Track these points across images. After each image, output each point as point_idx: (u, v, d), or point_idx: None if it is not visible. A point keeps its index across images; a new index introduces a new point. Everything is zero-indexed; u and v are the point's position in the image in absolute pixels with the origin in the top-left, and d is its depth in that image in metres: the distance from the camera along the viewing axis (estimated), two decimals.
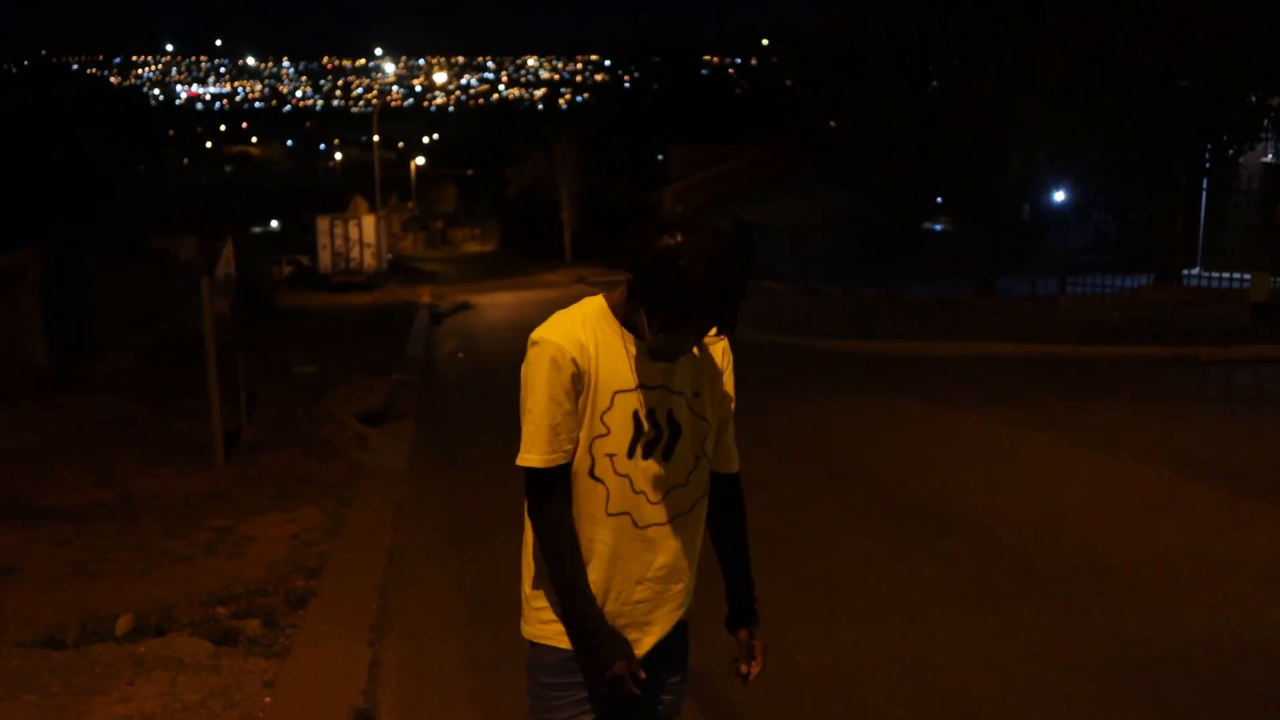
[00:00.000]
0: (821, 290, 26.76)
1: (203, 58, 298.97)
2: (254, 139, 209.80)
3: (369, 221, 40.98)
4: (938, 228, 33.26)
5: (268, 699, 4.18)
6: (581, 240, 48.57)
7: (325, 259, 40.31)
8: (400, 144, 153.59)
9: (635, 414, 2.44)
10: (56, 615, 5.48)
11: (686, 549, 2.56)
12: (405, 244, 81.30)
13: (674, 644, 2.63)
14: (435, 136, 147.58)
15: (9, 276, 15.25)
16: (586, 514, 2.47)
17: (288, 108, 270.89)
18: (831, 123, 25.41)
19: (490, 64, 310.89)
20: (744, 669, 2.65)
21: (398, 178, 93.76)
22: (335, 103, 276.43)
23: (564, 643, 2.49)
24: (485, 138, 71.74)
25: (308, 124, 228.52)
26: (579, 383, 2.41)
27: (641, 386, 2.44)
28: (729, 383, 2.61)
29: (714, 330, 2.35)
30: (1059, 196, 25.58)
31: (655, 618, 2.54)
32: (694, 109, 53.65)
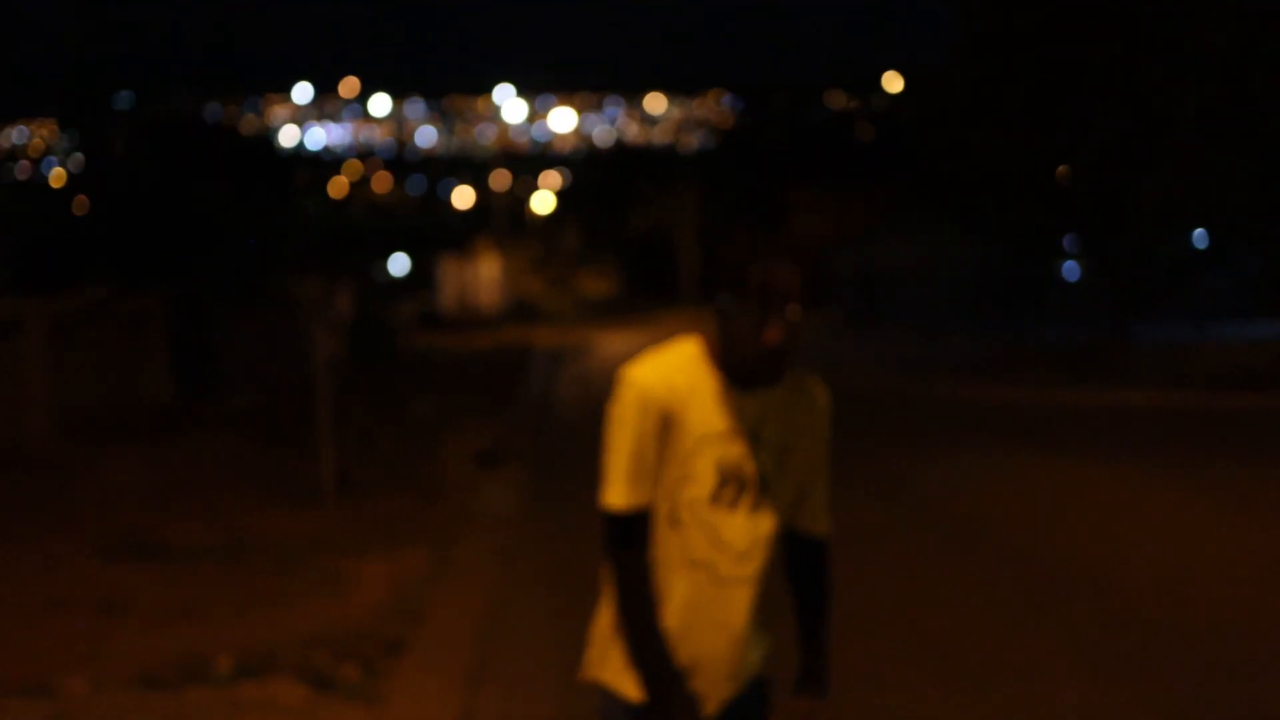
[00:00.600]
0: (944, 335, 26.23)
1: (333, 99, 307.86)
2: (380, 181, 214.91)
3: (491, 262, 41.56)
4: (1067, 269, 32.34)
5: None
6: (701, 281, 48.52)
7: (448, 300, 40.94)
8: (524, 185, 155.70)
9: (720, 461, 2.34)
10: (160, 654, 5.46)
11: (755, 611, 2.41)
12: (527, 285, 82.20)
13: (749, 705, 2.47)
14: (558, 178, 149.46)
15: (136, 318, 15.67)
16: (664, 561, 2.36)
17: (414, 151, 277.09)
18: (954, 165, 24.88)
19: (613, 102, 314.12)
20: None
21: (521, 219, 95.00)
22: (460, 143, 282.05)
23: (636, 693, 2.36)
24: (607, 179, 72.35)
25: (433, 167, 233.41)
26: (666, 424, 2.32)
27: (730, 433, 2.34)
28: (822, 435, 2.47)
29: (794, 309, 2.26)
30: (1198, 237, 24.66)
31: (730, 674, 2.40)
32: (816, 150, 53.45)
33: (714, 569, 2.34)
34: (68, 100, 40.86)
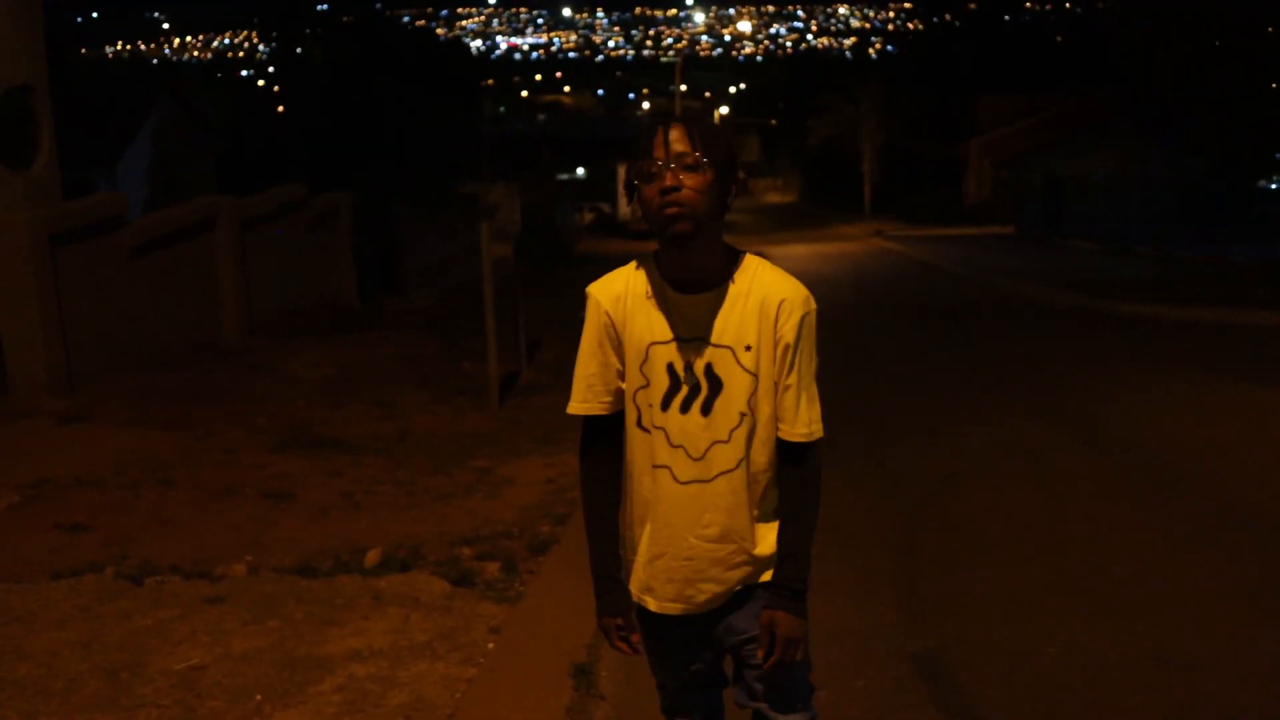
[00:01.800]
0: (1135, 250, 25.10)
1: (522, 10, 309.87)
2: (567, 88, 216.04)
3: None
4: (1273, 185, 30.46)
5: (491, 645, 4.17)
6: (882, 193, 47.47)
7: (625, 206, 40.99)
8: (707, 94, 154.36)
9: (670, 366, 2.38)
10: (319, 543, 5.71)
11: (741, 510, 2.41)
12: None
13: (742, 609, 2.47)
14: (742, 86, 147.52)
15: (321, 216, 16.16)
16: (635, 464, 2.45)
17: (600, 57, 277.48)
18: (1156, 72, 23.58)
19: (800, 12, 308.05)
20: (760, 654, 2.44)
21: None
22: (646, 52, 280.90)
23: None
24: (789, 87, 71.10)
25: (618, 74, 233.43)
26: (614, 334, 2.42)
27: (678, 339, 2.37)
28: (785, 338, 2.37)
29: (686, 152, 2.25)
30: None
31: (708, 577, 2.42)
32: (1008, 58, 51.38)
33: (675, 472, 2.39)
34: (266, 9, 41.91)
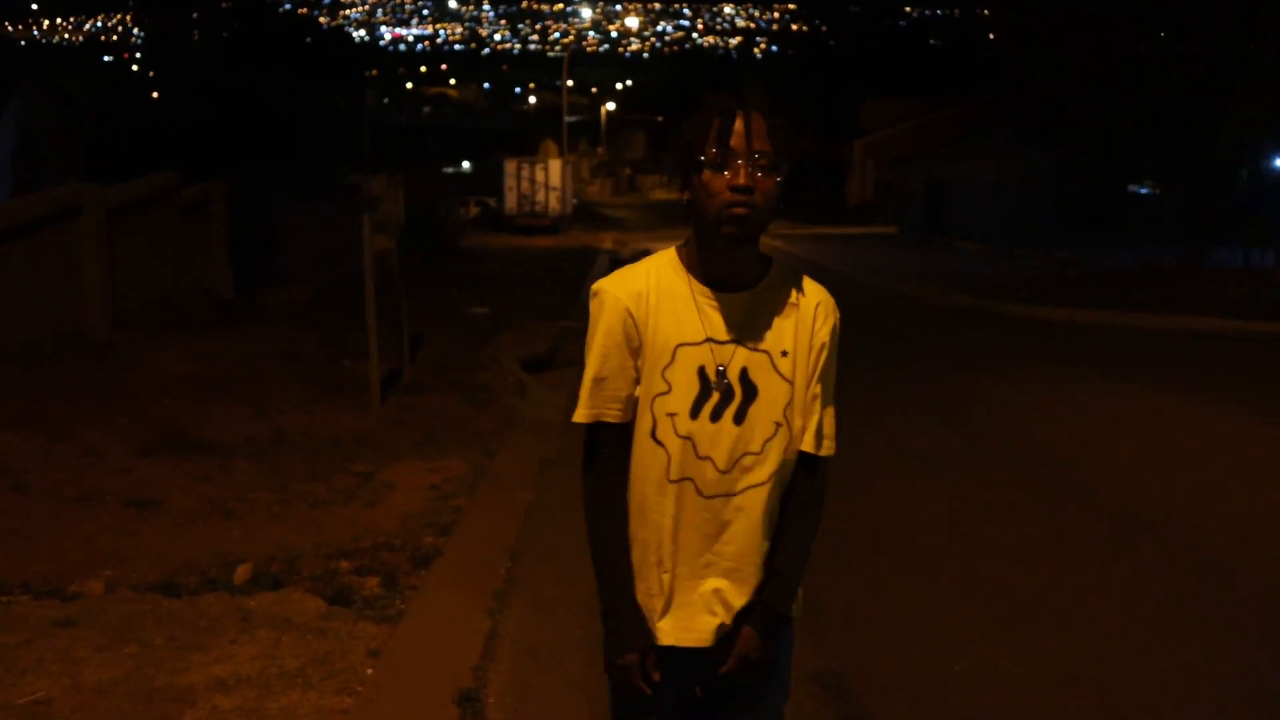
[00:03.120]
0: (1015, 253, 25.55)
1: (407, 0, 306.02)
2: (452, 81, 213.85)
3: (555, 165, 41.09)
4: (1144, 191, 31.29)
5: (369, 670, 3.87)
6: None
7: (511, 201, 40.61)
8: (594, 89, 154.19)
9: (701, 370, 2.18)
10: (185, 556, 5.33)
11: (762, 529, 2.22)
12: (593, 189, 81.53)
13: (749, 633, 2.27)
14: (629, 83, 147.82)
15: (193, 206, 15.54)
16: (647, 480, 2.22)
17: (486, 50, 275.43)
18: (1037, 76, 24.00)
19: (687, 10, 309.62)
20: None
21: (589, 123, 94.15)
22: (532, 46, 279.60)
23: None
24: (676, 85, 71.25)
25: (505, 67, 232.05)
26: (635, 335, 2.20)
27: (710, 341, 2.18)
28: (819, 345, 2.24)
29: (766, 151, 2.08)
30: None
31: (728, 601, 2.22)
32: (890, 62, 52.17)
33: (699, 485, 2.18)
34: None
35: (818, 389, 2.24)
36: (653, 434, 2.18)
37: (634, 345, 2.19)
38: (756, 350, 2.18)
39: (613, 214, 56.52)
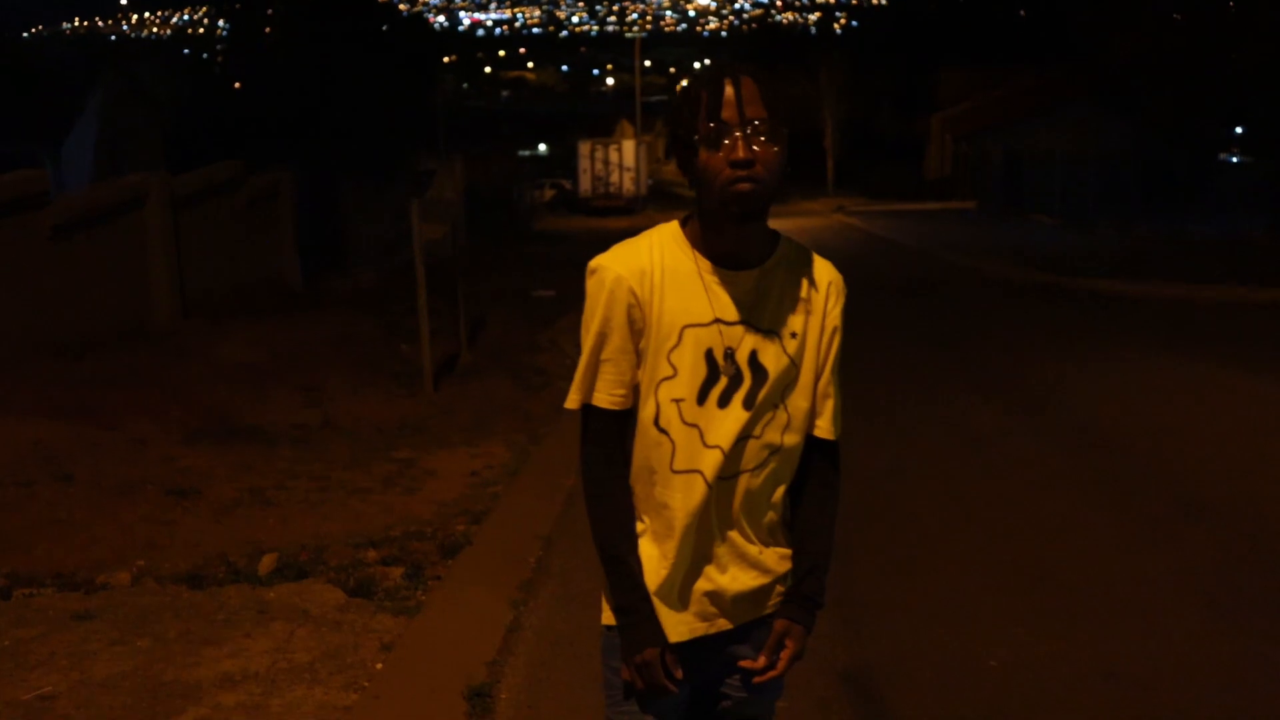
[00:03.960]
0: (1095, 225, 24.90)
1: None
2: (530, 64, 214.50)
3: (629, 146, 40.97)
4: (1233, 160, 30.28)
5: (379, 665, 3.79)
6: (845, 168, 47.22)
7: (585, 183, 40.60)
8: (672, 69, 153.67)
9: (709, 353, 2.04)
10: (219, 545, 5.32)
11: (771, 512, 2.13)
12: (668, 169, 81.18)
13: (749, 639, 2.16)
14: (706, 61, 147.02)
15: (260, 196, 15.65)
16: (651, 471, 2.08)
17: (564, 34, 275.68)
18: (1113, 46, 23.29)
19: None
20: (751, 664, 2.13)
21: (666, 103, 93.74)
22: (610, 28, 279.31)
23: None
24: (753, 61, 70.60)
25: (582, 49, 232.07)
26: (639, 316, 2.05)
27: (719, 322, 2.04)
28: (831, 324, 2.12)
29: (761, 118, 1.94)
30: None
31: (733, 590, 2.11)
32: (968, 33, 51.11)
33: (706, 475, 2.04)
34: None
35: (830, 372, 2.12)
36: (656, 421, 2.05)
37: (638, 327, 2.05)
38: (766, 332, 2.05)
39: (688, 193, 55.77)
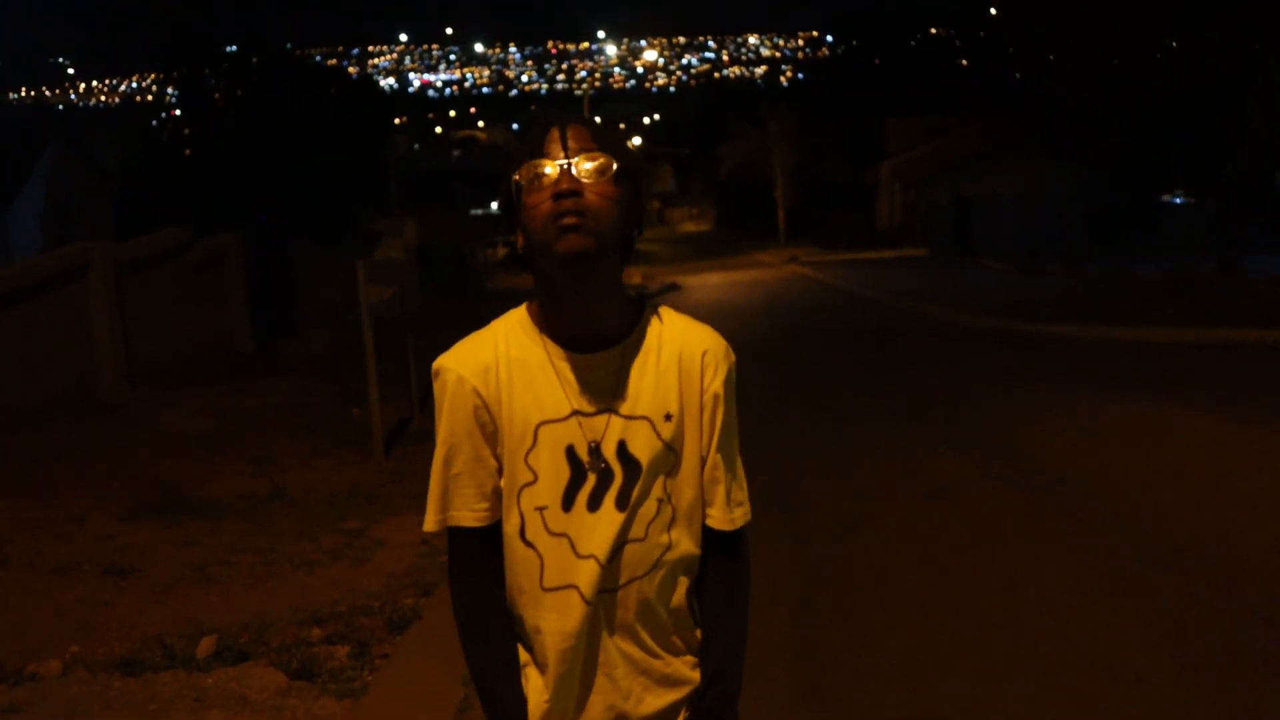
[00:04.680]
0: (1045, 269, 25.11)
1: (434, 46, 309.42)
2: (480, 123, 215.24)
3: None
4: (1176, 200, 30.73)
5: None
6: (797, 219, 47.54)
7: None
8: (621, 125, 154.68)
9: (570, 450, 1.80)
10: (157, 626, 5.10)
11: (661, 622, 1.86)
12: None
13: None
14: (656, 117, 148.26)
15: (208, 260, 15.46)
16: (521, 590, 1.84)
17: (514, 92, 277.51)
18: (1051, 88, 23.63)
19: (711, 43, 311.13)
20: None
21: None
22: (559, 86, 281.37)
23: None
24: (700, 116, 71.27)
25: (533, 107, 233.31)
26: (488, 420, 1.82)
27: (578, 414, 1.80)
28: (712, 401, 1.85)
29: (590, 149, 1.74)
30: None
31: (651, 718, 1.87)
32: (914, 82, 51.83)
33: (583, 590, 1.79)
34: (173, 52, 40.70)
35: (719, 452, 1.87)
36: (522, 534, 1.82)
37: (488, 431, 1.83)
38: (634, 417, 1.81)
39: (642, 248, 56.25)
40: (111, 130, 56.79)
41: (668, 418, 1.82)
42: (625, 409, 1.80)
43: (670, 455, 1.83)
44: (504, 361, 1.81)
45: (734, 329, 18.22)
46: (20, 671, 4.50)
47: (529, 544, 1.81)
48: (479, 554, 1.86)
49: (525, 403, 1.80)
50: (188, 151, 41.57)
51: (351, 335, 17.64)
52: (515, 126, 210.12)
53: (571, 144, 1.73)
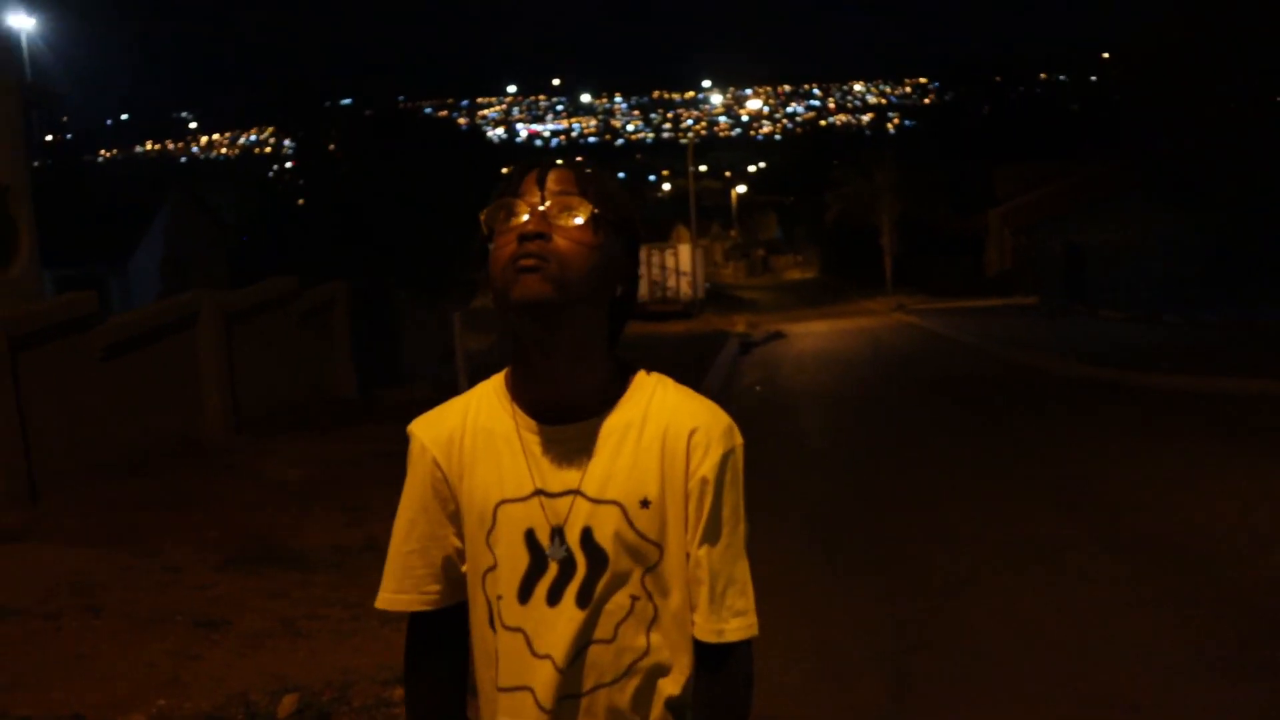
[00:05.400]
0: (1161, 317, 24.39)
1: (541, 97, 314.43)
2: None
3: (685, 250, 41.12)
4: None
5: None
6: (904, 266, 47.01)
7: (642, 288, 40.55)
8: (726, 173, 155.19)
9: (530, 535, 1.59)
10: (244, 681, 5.07)
11: None
12: (727, 272, 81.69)
13: None
14: (761, 165, 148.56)
15: (315, 310, 15.70)
16: (481, 688, 1.68)
17: (620, 141, 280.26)
18: (1167, 135, 23.07)
19: (816, 90, 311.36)
20: None
21: (722, 206, 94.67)
22: (665, 134, 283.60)
23: None
24: (805, 163, 71.09)
25: (638, 156, 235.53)
26: (448, 495, 1.66)
27: (540, 494, 1.59)
28: (702, 488, 1.59)
29: (570, 192, 1.56)
30: None
31: None
32: (1024, 129, 51.12)
33: (538, 695, 1.59)
34: (290, 105, 41.96)
35: (707, 549, 1.59)
36: (491, 622, 1.64)
37: (449, 509, 1.66)
38: (603, 501, 1.58)
39: (746, 295, 56.27)
40: (229, 183, 58.72)
41: (644, 504, 1.58)
42: (594, 491, 1.58)
43: (647, 547, 1.59)
44: (470, 431, 1.64)
45: (839, 378, 17.92)
46: None
47: (495, 631, 1.64)
48: (433, 642, 1.72)
49: (486, 478, 1.62)
50: (301, 202, 42.75)
51: (454, 383, 17.87)
52: (621, 175, 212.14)
53: (551, 186, 1.56)
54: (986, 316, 31.15)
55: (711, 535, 1.59)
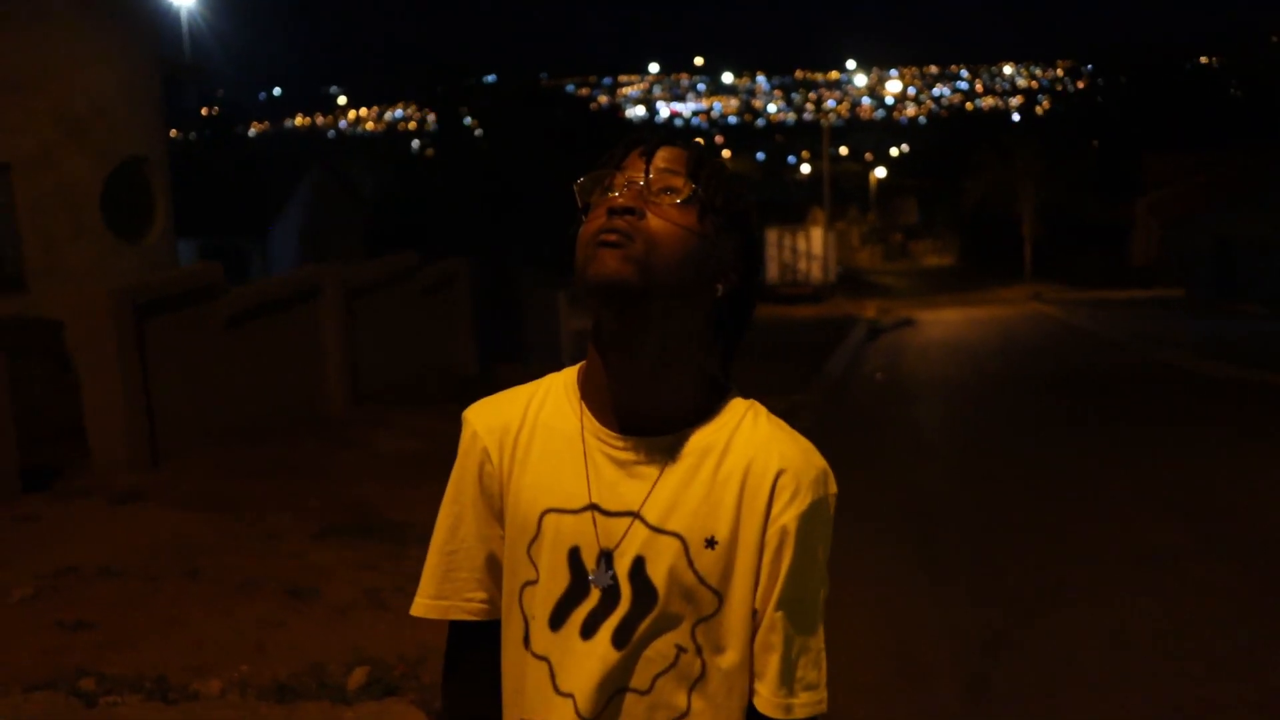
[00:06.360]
0: None
1: (683, 76, 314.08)
2: (727, 153, 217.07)
3: (817, 234, 40.70)
4: None
5: None
6: (1044, 254, 45.76)
7: (773, 270, 40.39)
8: (868, 155, 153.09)
9: (574, 554, 1.42)
10: (324, 651, 5.15)
11: None
12: (863, 256, 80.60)
13: None
14: (904, 148, 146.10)
15: (436, 285, 15.91)
16: (507, 708, 1.50)
17: (760, 122, 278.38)
18: None
19: (964, 73, 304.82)
20: None
21: (861, 190, 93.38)
22: (806, 116, 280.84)
23: None
24: (947, 148, 69.65)
25: (778, 137, 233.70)
26: (495, 492, 1.48)
27: (595, 509, 1.41)
28: (789, 530, 1.39)
29: (675, 170, 1.39)
30: None
31: None
32: (1177, 114, 49.22)
33: None
34: (434, 81, 42.74)
35: (780, 614, 1.40)
36: (526, 642, 1.47)
37: (495, 506, 1.49)
38: (663, 531, 1.39)
39: (880, 281, 55.49)
40: (372, 157, 60.03)
41: (710, 543, 1.39)
42: (655, 518, 1.40)
43: (705, 593, 1.40)
44: (529, 426, 1.47)
45: (963, 368, 17.47)
46: (185, 687, 4.61)
47: (538, 656, 1.46)
48: (476, 655, 1.53)
49: (537, 481, 1.44)
50: (438, 176, 43.51)
51: (559, 364, 17.97)
52: (760, 156, 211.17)
53: (657, 163, 1.39)
54: (1127, 309, 30.16)
55: (789, 596, 1.40)
